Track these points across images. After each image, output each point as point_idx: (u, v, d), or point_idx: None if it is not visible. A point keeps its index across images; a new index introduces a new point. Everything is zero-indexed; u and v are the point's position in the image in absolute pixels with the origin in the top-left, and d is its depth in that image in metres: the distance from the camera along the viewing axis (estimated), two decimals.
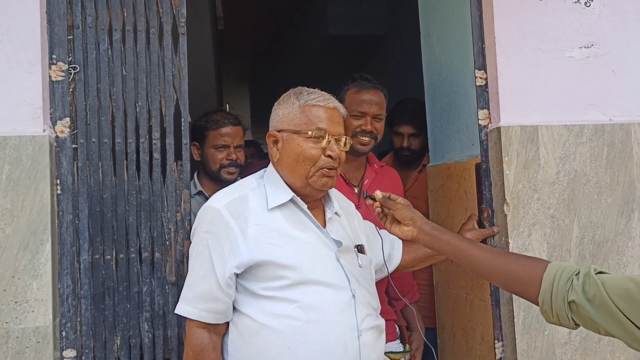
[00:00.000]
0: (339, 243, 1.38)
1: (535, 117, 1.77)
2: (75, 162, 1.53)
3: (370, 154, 1.92)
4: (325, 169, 1.34)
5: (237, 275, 1.32)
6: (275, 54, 7.26)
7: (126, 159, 1.57)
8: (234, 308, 1.34)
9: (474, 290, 1.87)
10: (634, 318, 0.98)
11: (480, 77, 1.80)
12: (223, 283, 1.30)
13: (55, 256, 1.48)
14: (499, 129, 1.73)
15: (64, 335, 1.49)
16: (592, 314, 1.02)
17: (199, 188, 2.04)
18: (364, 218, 1.60)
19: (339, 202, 1.49)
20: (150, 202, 1.57)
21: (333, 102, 1.39)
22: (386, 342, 1.79)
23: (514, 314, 1.68)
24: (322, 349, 1.27)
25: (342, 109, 1.42)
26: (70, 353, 1.49)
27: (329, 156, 1.34)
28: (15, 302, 1.41)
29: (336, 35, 5.25)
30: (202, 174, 2.09)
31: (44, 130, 1.48)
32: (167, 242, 1.57)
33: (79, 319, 1.50)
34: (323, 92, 1.42)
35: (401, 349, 1.86)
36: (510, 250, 1.68)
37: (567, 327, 1.10)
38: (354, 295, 1.33)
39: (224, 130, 2.01)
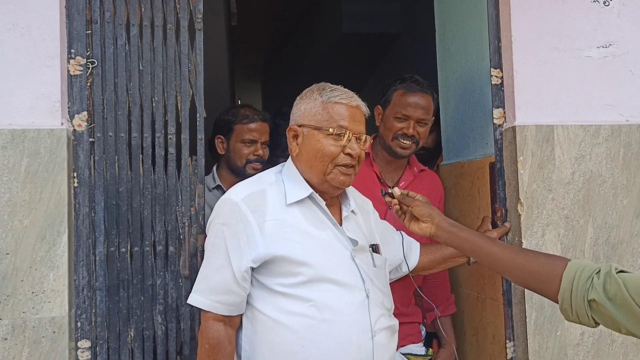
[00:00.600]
0: (354, 242, 1.38)
1: (551, 117, 1.75)
2: (92, 156, 1.55)
3: (413, 156, 1.90)
4: (343, 167, 1.34)
5: (252, 269, 1.32)
6: (288, 50, 7.27)
7: (142, 153, 1.58)
8: (248, 303, 1.35)
9: (486, 289, 1.86)
10: None
11: (496, 76, 1.79)
12: (239, 276, 1.30)
13: (72, 248, 1.50)
14: (514, 128, 1.72)
15: (79, 326, 1.51)
16: (613, 312, 1.02)
17: (218, 182, 2.04)
18: (391, 220, 1.59)
19: (356, 200, 1.49)
20: (165, 196, 1.59)
21: (356, 100, 1.39)
22: (409, 344, 1.78)
23: (526, 313, 1.67)
24: (336, 349, 1.27)
25: (364, 108, 1.42)
26: (85, 344, 1.51)
27: (349, 154, 1.34)
28: (32, 292, 1.44)
29: (349, 33, 5.24)
30: (222, 168, 2.08)
31: (62, 123, 1.50)
32: (181, 236, 1.58)
33: (94, 310, 1.53)
34: (346, 90, 1.41)
35: (423, 352, 1.82)
36: None
37: (586, 326, 1.09)
38: (367, 296, 1.33)
39: (253, 126, 2.01)
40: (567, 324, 1.69)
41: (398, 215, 1.39)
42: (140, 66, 1.60)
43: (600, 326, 1.71)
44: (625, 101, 1.80)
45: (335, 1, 5.30)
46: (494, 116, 1.78)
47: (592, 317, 1.06)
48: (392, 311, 1.45)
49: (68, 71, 1.54)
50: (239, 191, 1.36)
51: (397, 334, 1.44)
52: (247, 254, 1.30)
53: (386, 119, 1.81)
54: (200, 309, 1.35)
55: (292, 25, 6.81)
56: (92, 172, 1.55)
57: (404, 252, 1.55)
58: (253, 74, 8.70)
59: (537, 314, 1.67)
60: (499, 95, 1.79)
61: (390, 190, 1.41)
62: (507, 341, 1.73)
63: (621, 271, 1.05)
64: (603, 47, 1.81)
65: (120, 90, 1.58)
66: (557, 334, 1.68)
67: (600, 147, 1.76)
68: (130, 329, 1.55)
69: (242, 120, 2.01)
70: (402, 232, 1.59)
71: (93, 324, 1.52)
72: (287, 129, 1.40)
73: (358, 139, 1.36)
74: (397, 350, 1.56)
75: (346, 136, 1.33)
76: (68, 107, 1.54)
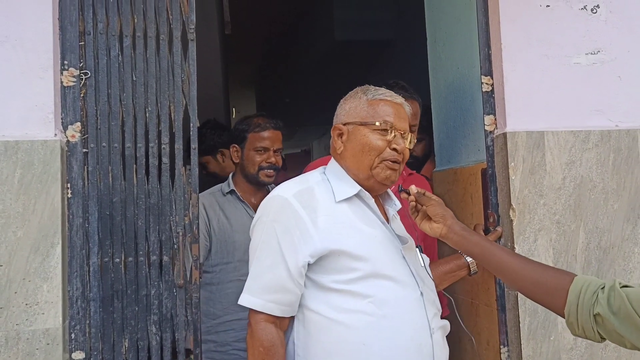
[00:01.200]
0: (403, 240, 1.37)
1: (542, 123, 1.77)
2: (85, 166, 1.55)
3: None
4: (389, 161, 1.34)
5: (307, 265, 1.27)
6: (282, 58, 7.30)
7: (135, 164, 1.59)
8: (299, 304, 1.29)
9: (480, 295, 1.87)
10: None
11: (487, 83, 1.81)
12: (295, 272, 1.25)
13: (66, 259, 1.50)
14: (505, 134, 1.74)
15: (73, 337, 1.50)
16: (617, 326, 1.03)
17: (232, 187, 2.09)
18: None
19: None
20: (159, 206, 1.59)
21: (399, 98, 1.40)
22: None
23: (520, 319, 1.68)
24: (398, 346, 1.23)
25: (407, 107, 1.43)
26: (79, 355, 1.50)
27: (394, 149, 1.34)
28: (26, 304, 1.43)
29: (342, 40, 5.27)
30: (237, 175, 2.15)
31: (55, 134, 1.50)
32: (176, 246, 1.58)
33: (88, 322, 1.52)
34: (389, 90, 1.44)
35: None
36: None
37: (592, 340, 1.10)
38: (422, 293, 1.31)
39: (265, 134, 2.06)
40: (560, 329, 1.70)
41: (412, 213, 1.38)
42: (134, 77, 1.60)
43: None
44: (614, 107, 1.83)
45: (328, 9, 5.34)
46: (485, 123, 1.80)
47: (597, 331, 1.07)
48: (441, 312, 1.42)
49: (61, 82, 1.55)
50: (287, 188, 1.33)
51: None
52: (303, 249, 1.25)
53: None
54: (248, 311, 1.30)
55: (285, 33, 6.84)
56: (86, 182, 1.55)
57: (423, 261, 1.50)
58: (247, 82, 8.72)
59: (531, 319, 1.68)
60: (490, 102, 1.81)
61: (405, 189, 1.41)
62: (502, 347, 1.74)
63: (625, 286, 1.06)
64: (591, 53, 1.83)
65: (114, 100, 1.59)
66: (551, 338, 1.69)
67: (590, 153, 1.78)
68: (125, 339, 1.55)
69: (255, 129, 2.08)
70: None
71: (87, 335, 1.52)
72: (332, 128, 1.40)
73: (403, 136, 1.36)
74: None
75: (392, 131, 1.34)
76: (61, 118, 1.54)
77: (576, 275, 1.12)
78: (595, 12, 1.84)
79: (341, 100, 1.45)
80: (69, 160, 1.54)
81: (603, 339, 1.09)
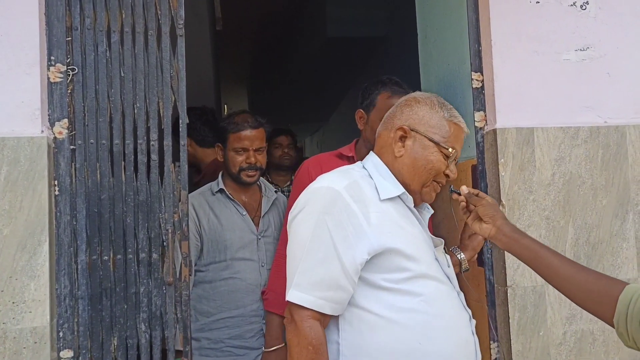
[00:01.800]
0: (437, 241, 1.36)
1: (531, 119, 1.78)
2: (73, 163, 1.54)
3: None
4: (438, 185, 1.33)
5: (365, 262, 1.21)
6: (274, 54, 7.28)
7: (124, 160, 1.57)
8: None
9: (470, 291, 1.88)
10: None
11: (477, 80, 1.81)
12: (351, 269, 1.18)
13: (53, 257, 1.49)
14: (495, 130, 1.74)
15: (61, 335, 1.49)
16: None
17: (221, 186, 2.06)
18: None
19: None
20: (147, 203, 1.58)
21: (464, 123, 1.37)
22: None
23: (509, 314, 1.69)
24: (450, 344, 1.22)
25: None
26: (67, 353, 1.49)
27: (447, 175, 1.32)
28: (13, 302, 1.42)
29: (334, 37, 5.27)
30: (225, 174, 2.12)
31: (42, 131, 1.49)
32: (165, 243, 1.58)
33: (76, 320, 1.51)
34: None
35: None
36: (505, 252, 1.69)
37: None
38: (458, 292, 1.31)
39: (242, 134, 2.01)
40: (549, 324, 1.71)
41: (463, 213, 1.36)
42: (122, 73, 1.59)
43: (582, 325, 1.74)
44: (603, 103, 1.84)
45: (321, 5, 5.32)
46: (475, 119, 1.81)
47: None
48: None
49: (48, 78, 1.53)
50: (336, 180, 1.25)
51: None
52: (359, 245, 1.19)
53: (373, 123, 1.82)
54: (290, 307, 1.22)
55: (277, 30, 6.81)
56: (74, 179, 1.53)
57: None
58: (239, 78, 8.69)
59: (520, 314, 1.69)
60: (480, 98, 1.81)
61: (456, 190, 1.38)
62: (491, 342, 1.74)
63: None
64: (581, 50, 1.84)
65: (102, 97, 1.57)
66: (540, 334, 1.70)
67: (579, 149, 1.79)
68: (114, 337, 1.54)
69: (233, 129, 2.03)
70: None
71: (75, 333, 1.51)
72: (397, 127, 1.32)
73: (456, 164, 1.35)
74: None
75: (453, 159, 1.32)
76: (48, 115, 1.53)
77: (628, 284, 1.07)
78: (584, 9, 1.85)
79: (410, 99, 1.36)
80: (56, 157, 1.52)
81: None
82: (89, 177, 1.55)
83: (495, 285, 1.75)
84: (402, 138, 1.31)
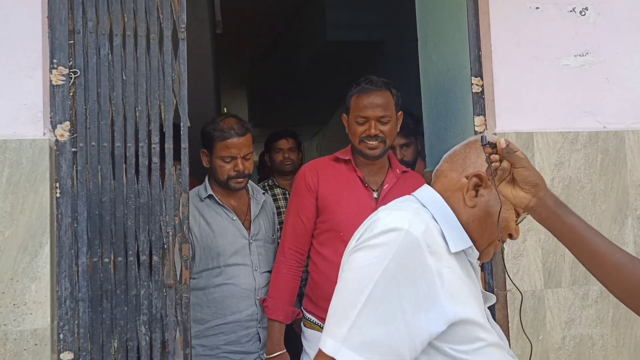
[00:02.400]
0: (488, 298, 1.18)
1: (531, 124, 1.79)
2: (74, 166, 1.54)
3: (393, 158, 1.92)
4: (502, 242, 1.15)
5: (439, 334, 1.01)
6: (274, 58, 7.29)
7: (125, 163, 1.58)
8: None
9: None
10: None
11: (477, 84, 1.82)
12: (419, 338, 0.97)
13: (54, 259, 1.49)
14: (494, 135, 1.75)
15: (61, 337, 1.49)
16: None
17: (210, 192, 2.02)
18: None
19: None
20: (148, 205, 1.58)
21: None
22: None
23: (509, 318, 1.70)
24: None
25: None
26: (67, 356, 1.49)
27: (510, 235, 1.15)
28: (14, 304, 1.42)
29: (334, 41, 5.28)
30: (212, 180, 2.06)
31: (44, 133, 1.49)
32: (165, 246, 1.58)
33: (76, 322, 1.51)
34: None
35: None
36: (504, 256, 1.70)
37: None
38: (512, 356, 1.13)
39: (229, 142, 1.95)
40: (548, 329, 1.71)
41: (492, 172, 1.06)
42: (124, 76, 1.60)
43: (580, 330, 1.74)
44: (602, 108, 1.85)
45: (320, 9, 5.34)
46: (475, 123, 1.82)
47: None
48: None
49: (50, 81, 1.54)
50: (413, 222, 1.02)
51: None
52: (431, 312, 0.98)
53: (350, 125, 1.85)
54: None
55: (277, 33, 6.83)
56: (75, 182, 1.54)
57: None
58: (239, 81, 8.70)
59: (519, 318, 1.70)
60: (480, 103, 1.82)
61: (492, 140, 1.08)
62: None
63: None
64: (580, 55, 1.85)
65: (103, 99, 1.58)
66: (539, 338, 1.71)
67: (578, 154, 1.80)
68: (114, 339, 1.54)
69: (219, 137, 1.96)
70: None
71: (76, 335, 1.51)
72: (474, 173, 1.10)
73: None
74: None
75: (523, 218, 1.15)
76: (50, 117, 1.53)
77: None
78: (584, 15, 1.86)
79: (472, 141, 1.15)
80: (58, 159, 1.53)
81: None
82: (90, 179, 1.55)
83: (495, 289, 1.76)
84: (477, 187, 1.11)
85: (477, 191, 1.10)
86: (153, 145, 1.60)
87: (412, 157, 2.38)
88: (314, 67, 6.01)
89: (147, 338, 1.56)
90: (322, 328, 1.59)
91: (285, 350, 1.86)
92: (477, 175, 1.10)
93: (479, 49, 1.83)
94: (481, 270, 1.79)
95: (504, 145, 1.04)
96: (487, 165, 1.05)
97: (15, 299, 1.42)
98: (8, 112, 1.48)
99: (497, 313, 1.74)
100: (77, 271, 1.52)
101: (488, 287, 1.77)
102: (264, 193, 2.18)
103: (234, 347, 1.96)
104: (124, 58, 1.60)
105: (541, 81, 1.81)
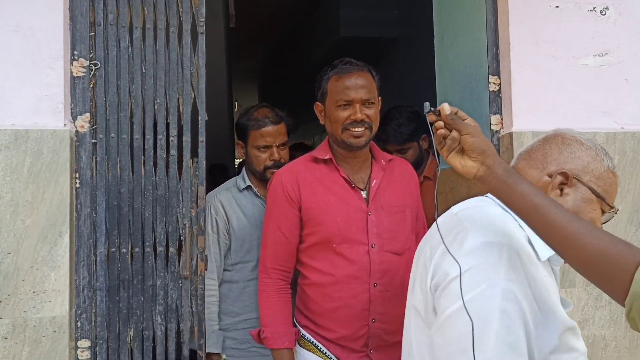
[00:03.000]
0: (566, 304, 1.10)
1: (548, 124, 1.78)
2: (94, 157, 1.56)
3: (374, 146, 1.66)
4: None
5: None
6: (285, 53, 7.30)
7: (144, 155, 1.60)
8: None
9: None
10: None
11: (494, 83, 1.82)
12: (540, 356, 0.91)
13: (73, 248, 1.51)
14: (511, 134, 1.75)
15: (79, 325, 1.52)
16: None
17: (248, 183, 1.97)
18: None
19: None
20: (166, 197, 1.60)
21: None
22: None
23: None
24: None
25: None
26: (84, 343, 1.52)
27: None
28: (34, 292, 1.45)
29: (347, 37, 5.28)
30: (249, 171, 2.02)
31: (65, 124, 1.51)
32: (182, 238, 1.60)
33: (94, 310, 1.54)
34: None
35: None
36: None
37: None
38: None
39: (264, 130, 1.92)
40: None
41: (438, 142, 1.02)
42: (143, 68, 1.61)
43: (594, 330, 1.74)
44: (620, 109, 1.84)
45: (334, 5, 5.34)
46: (492, 122, 1.81)
47: None
48: None
49: (71, 73, 1.56)
50: (508, 232, 0.97)
51: None
52: (548, 326, 0.93)
53: (329, 113, 1.59)
54: None
55: (290, 29, 6.84)
56: (94, 173, 1.56)
57: None
58: (250, 76, 8.73)
59: None
60: (497, 101, 1.82)
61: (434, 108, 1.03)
62: None
63: None
64: (599, 55, 1.84)
65: (123, 92, 1.60)
66: None
67: None
68: (130, 329, 1.56)
69: (254, 126, 1.93)
70: None
71: (93, 323, 1.53)
72: (559, 171, 1.03)
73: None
74: None
75: (608, 220, 1.08)
76: (71, 109, 1.55)
77: None
78: (604, 14, 1.85)
79: (565, 137, 1.07)
80: (78, 150, 1.55)
81: None
82: (109, 170, 1.57)
83: None
84: (562, 185, 1.03)
85: (561, 190, 1.03)
86: (171, 138, 1.61)
87: (412, 158, 2.33)
88: (327, 63, 6.00)
89: (163, 328, 1.58)
90: (317, 349, 1.54)
91: None
92: (562, 173, 1.02)
93: (497, 47, 1.83)
94: None
95: (448, 112, 1.00)
96: (433, 134, 1.00)
97: (35, 287, 1.45)
98: (30, 102, 1.50)
99: None
100: (95, 261, 1.54)
101: None
102: None
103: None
104: (143, 51, 1.61)
105: (559, 81, 1.81)
